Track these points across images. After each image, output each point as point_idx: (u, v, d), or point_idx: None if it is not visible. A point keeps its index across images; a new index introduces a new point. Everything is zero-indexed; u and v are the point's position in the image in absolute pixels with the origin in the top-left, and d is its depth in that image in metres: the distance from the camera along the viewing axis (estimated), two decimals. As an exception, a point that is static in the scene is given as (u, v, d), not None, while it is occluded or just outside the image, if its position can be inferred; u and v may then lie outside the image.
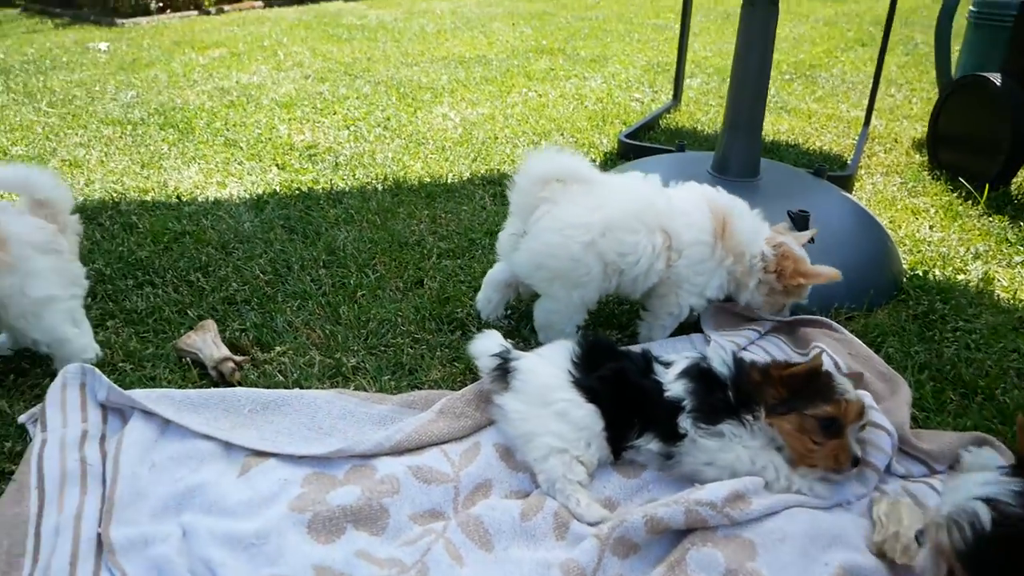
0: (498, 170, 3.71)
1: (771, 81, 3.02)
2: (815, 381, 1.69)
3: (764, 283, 2.17)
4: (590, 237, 2.04)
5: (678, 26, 4.69)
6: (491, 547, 1.59)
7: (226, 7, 8.74)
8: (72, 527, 1.57)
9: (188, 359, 2.15)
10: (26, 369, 2.13)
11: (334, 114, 4.66)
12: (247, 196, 3.35)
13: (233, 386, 2.04)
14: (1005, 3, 3.97)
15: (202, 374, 2.11)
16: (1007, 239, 2.98)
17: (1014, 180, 3.48)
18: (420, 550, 1.56)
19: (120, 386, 1.92)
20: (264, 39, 6.97)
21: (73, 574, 1.47)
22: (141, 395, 1.90)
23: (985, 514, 1.22)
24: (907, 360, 2.18)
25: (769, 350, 2.18)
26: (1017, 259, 2.82)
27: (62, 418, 1.85)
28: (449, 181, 3.56)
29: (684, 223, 2.12)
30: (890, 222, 3.12)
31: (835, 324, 2.22)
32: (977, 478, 1.30)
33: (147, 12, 8.09)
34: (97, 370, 1.94)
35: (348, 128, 4.39)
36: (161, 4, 8.23)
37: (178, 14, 8.29)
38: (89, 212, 3.08)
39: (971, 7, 4.22)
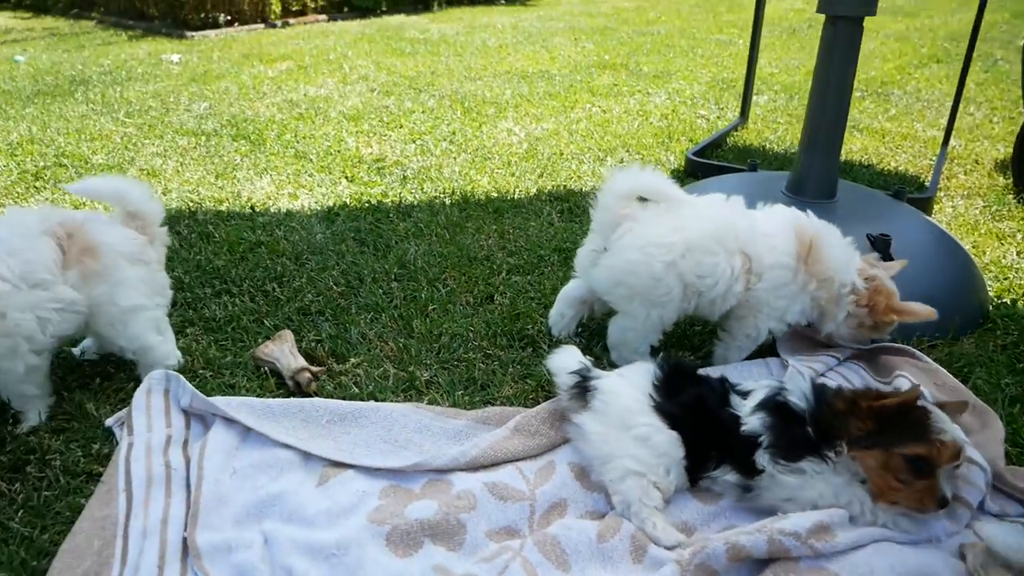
0: (565, 186, 3.71)
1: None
2: (908, 416, 1.61)
3: (854, 316, 2.11)
4: (671, 257, 2.02)
5: (742, 41, 4.65)
6: (568, 567, 1.57)
7: (291, 20, 8.96)
8: (159, 531, 1.61)
9: (266, 368, 2.19)
10: (111, 373, 2.19)
11: (400, 127, 4.72)
12: (318, 208, 3.41)
13: (310, 396, 2.07)
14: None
15: (279, 384, 2.14)
16: (1099, 267, 2.85)
17: (1104, 205, 3.35)
18: (497, 568, 1.55)
19: (201, 393, 1.96)
20: (329, 52, 7.11)
21: (161, 577, 1.50)
22: (222, 402, 1.94)
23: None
24: (997, 392, 2.09)
25: (849, 377, 2.12)
26: (1111, 288, 2.70)
27: (147, 422, 1.90)
28: (516, 196, 3.57)
29: (766, 246, 2.08)
30: (973, 247, 3.02)
31: (919, 353, 2.14)
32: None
33: (216, 25, 8.35)
34: (181, 377, 1.99)
35: (414, 142, 4.44)
36: (229, 17, 8.47)
37: (245, 27, 8.52)
38: (167, 221, 3.13)
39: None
